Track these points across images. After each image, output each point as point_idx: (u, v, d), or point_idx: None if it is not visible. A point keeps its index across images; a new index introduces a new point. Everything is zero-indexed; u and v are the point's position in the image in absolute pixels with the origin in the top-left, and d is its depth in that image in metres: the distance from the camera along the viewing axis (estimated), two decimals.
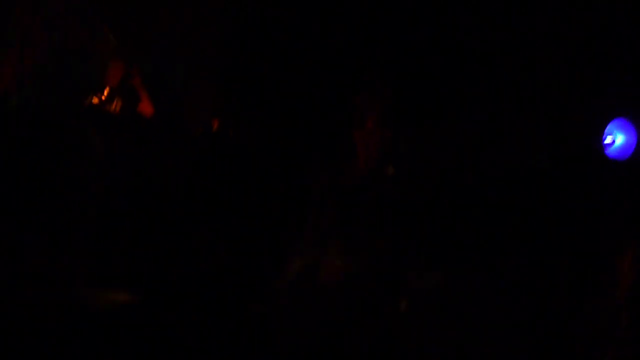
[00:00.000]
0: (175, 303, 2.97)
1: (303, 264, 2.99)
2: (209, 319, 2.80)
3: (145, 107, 4.88)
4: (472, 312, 2.71)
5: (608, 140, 3.99)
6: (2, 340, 2.53)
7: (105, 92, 4.43)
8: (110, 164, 3.80)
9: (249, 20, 4.52)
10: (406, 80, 3.82)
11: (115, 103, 4.47)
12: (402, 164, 3.21)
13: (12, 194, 2.98)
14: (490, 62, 4.04)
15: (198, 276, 3.43)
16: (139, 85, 4.80)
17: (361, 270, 2.67)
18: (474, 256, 2.86)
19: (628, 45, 3.97)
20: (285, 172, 3.97)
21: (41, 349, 2.58)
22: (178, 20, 4.66)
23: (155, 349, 2.74)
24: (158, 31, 4.67)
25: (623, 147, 3.96)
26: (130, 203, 3.77)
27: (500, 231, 3.18)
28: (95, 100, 4.45)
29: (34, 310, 2.67)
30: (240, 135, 4.01)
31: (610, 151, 3.97)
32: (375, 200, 3.28)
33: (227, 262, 3.36)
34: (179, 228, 3.73)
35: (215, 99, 4.40)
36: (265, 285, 3.10)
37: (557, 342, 3.34)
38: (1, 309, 2.63)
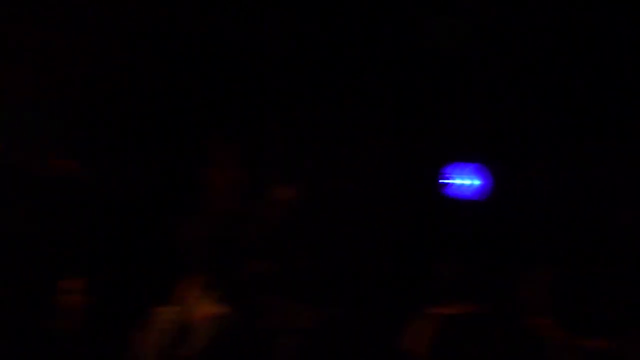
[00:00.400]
0: None
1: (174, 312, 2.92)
2: None
3: None
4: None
5: (460, 182, 4.15)
6: None
7: None
8: None
9: (101, 64, 4.41)
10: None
11: None
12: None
13: None
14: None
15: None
16: None
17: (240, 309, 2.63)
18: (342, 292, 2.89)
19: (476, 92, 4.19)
20: (140, 213, 3.85)
21: None
22: (24, 60, 4.48)
23: None
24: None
25: (475, 189, 4.13)
26: None
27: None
28: None
29: None
30: (91, 177, 3.86)
31: (462, 192, 4.13)
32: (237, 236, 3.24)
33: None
34: (24, 270, 3.53)
35: (63, 140, 4.23)
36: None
37: None
38: None
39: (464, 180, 4.20)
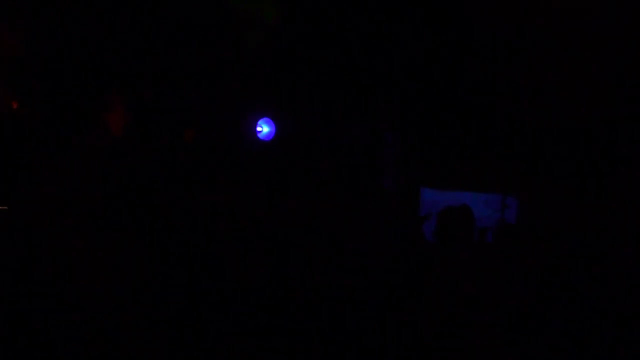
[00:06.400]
0: None
1: None
2: None
3: None
4: None
5: (259, 129, 6.75)
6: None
7: None
8: None
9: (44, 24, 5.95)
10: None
11: None
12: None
13: None
14: None
15: None
16: None
17: None
18: None
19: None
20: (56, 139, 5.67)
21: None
22: None
23: None
24: None
25: (267, 134, 6.74)
26: None
27: None
28: None
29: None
30: (32, 113, 5.59)
31: (261, 135, 6.73)
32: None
33: None
34: None
35: (13, 85, 5.63)
36: None
37: None
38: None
39: (265, 128, 6.78)
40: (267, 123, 6.65)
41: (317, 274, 4.96)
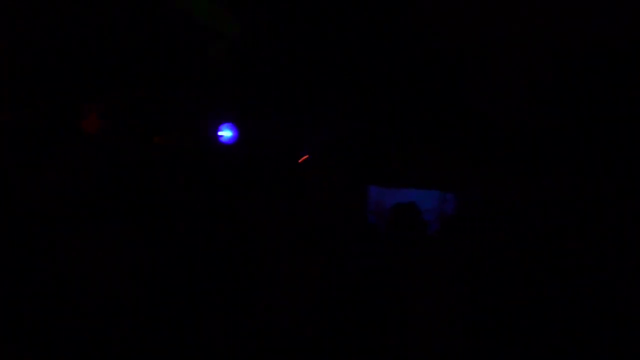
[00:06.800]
0: None
1: None
2: None
3: None
4: None
5: (221, 133, 6.92)
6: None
7: None
8: None
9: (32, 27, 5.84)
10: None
11: None
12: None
13: None
14: None
15: None
16: None
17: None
18: None
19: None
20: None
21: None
22: None
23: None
24: None
25: (230, 138, 6.92)
26: None
27: None
28: None
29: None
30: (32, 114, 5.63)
31: (223, 139, 6.90)
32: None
33: None
34: None
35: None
36: None
37: None
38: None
39: (227, 133, 6.96)
40: (229, 127, 6.84)
41: (293, 275, 5.11)
